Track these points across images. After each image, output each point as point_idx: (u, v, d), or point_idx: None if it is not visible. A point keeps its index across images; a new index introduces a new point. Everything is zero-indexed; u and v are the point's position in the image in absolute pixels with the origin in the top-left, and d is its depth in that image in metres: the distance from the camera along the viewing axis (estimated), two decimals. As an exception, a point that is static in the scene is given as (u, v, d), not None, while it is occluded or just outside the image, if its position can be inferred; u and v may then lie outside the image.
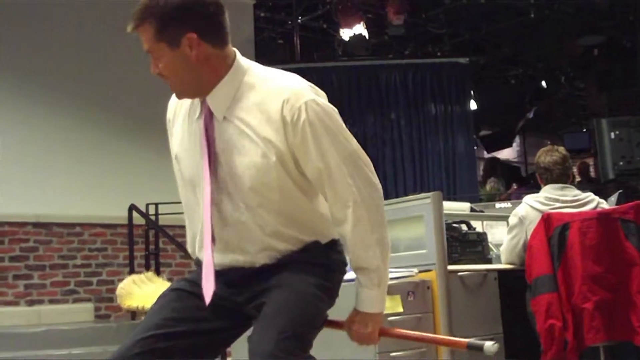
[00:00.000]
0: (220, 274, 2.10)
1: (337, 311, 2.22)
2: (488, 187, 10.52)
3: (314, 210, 2.17)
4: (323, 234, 2.19)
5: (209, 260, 2.08)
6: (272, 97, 2.05)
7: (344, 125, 2.12)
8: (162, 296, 2.22)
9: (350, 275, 2.22)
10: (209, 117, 2.09)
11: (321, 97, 2.09)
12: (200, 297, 2.13)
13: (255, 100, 2.06)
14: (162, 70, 2.05)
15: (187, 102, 2.19)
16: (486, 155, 13.88)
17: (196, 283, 2.17)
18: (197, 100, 2.15)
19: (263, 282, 2.10)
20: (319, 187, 2.12)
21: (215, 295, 2.10)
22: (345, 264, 2.25)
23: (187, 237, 2.33)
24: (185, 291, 2.18)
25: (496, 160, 11.53)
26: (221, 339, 2.21)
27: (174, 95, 2.25)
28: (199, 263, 2.24)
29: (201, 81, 2.08)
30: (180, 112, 2.22)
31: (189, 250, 2.34)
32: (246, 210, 2.09)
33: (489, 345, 2.05)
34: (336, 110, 2.11)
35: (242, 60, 2.13)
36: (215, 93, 2.08)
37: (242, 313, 2.13)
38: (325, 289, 2.14)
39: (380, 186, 2.16)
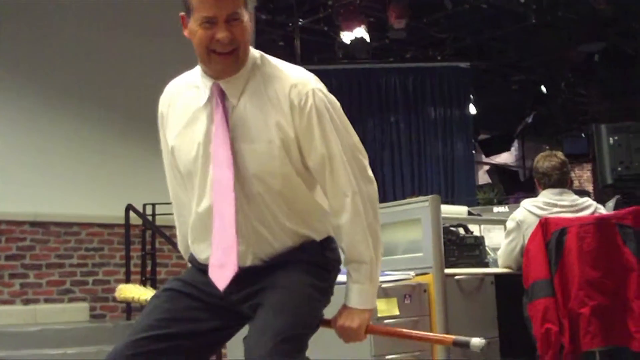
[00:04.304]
0: None
1: (333, 310, 2.20)
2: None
3: (313, 200, 2.18)
4: (320, 229, 2.19)
5: (232, 242, 2.04)
6: (281, 82, 2.08)
7: (346, 117, 2.16)
8: (155, 297, 2.21)
9: (343, 277, 2.21)
10: (222, 101, 2.09)
11: (325, 88, 2.13)
12: (193, 296, 2.12)
13: (265, 85, 2.09)
14: (239, 35, 2.03)
15: (182, 93, 2.19)
16: (484, 159, 13.89)
17: (190, 283, 2.16)
18: (197, 89, 2.14)
19: (258, 281, 2.09)
20: (319, 176, 2.13)
21: (209, 294, 2.10)
22: (340, 262, 2.24)
23: (178, 235, 2.31)
24: (179, 291, 2.16)
25: None
26: (216, 339, 2.19)
27: (166, 90, 2.25)
28: (193, 260, 2.23)
29: (246, 56, 2.10)
30: (176, 103, 2.20)
31: (181, 249, 2.33)
32: (245, 199, 2.08)
33: (476, 341, 2.04)
34: (339, 103, 2.15)
35: (252, 49, 2.15)
36: (232, 77, 2.09)
37: (237, 312, 2.11)
38: (321, 289, 2.14)
39: (375, 182, 2.18)
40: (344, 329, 2.15)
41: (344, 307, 2.16)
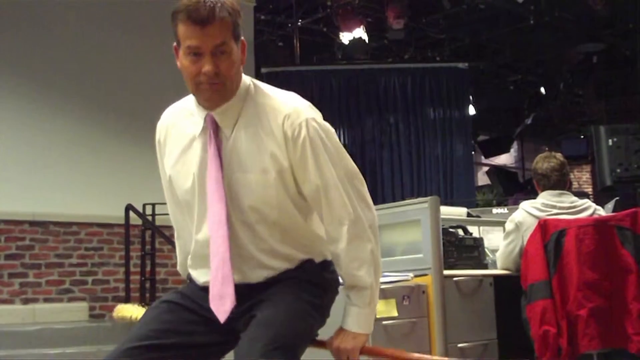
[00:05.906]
0: None
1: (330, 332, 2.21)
2: None
3: (309, 229, 2.17)
4: (317, 252, 2.19)
5: (228, 276, 2.04)
6: (274, 113, 2.06)
7: (341, 144, 2.14)
8: (153, 308, 2.19)
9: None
10: (216, 133, 2.07)
11: (318, 116, 2.11)
12: (191, 310, 2.12)
13: (258, 115, 2.07)
14: (225, 70, 1.99)
15: (178, 121, 2.17)
16: (483, 160, 13.90)
17: (188, 296, 2.16)
18: (193, 117, 2.12)
19: (255, 296, 2.10)
20: (315, 205, 2.12)
21: (208, 309, 2.09)
22: (339, 284, 2.24)
23: (178, 256, 2.31)
24: (177, 304, 2.16)
25: None
26: (211, 353, 2.18)
27: (162, 117, 2.23)
28: (191, 279, 2.23)
29: (234, 87, 2.07)
30: (171, 132, 2.19)
31: (180, 269, 2.33)
32: (242, 228, 2.09)
33: None
34: (333, 130, 2.14)
35: (245, 77, 2.13)
36: (225, 107, 2.07)
37: (234, 328, 2.10)
38: (316, 306, 2.14)
39: (374, 207, 2.17)
40: (339, 350, 2.15)
41: (341, 330, 2.16)
